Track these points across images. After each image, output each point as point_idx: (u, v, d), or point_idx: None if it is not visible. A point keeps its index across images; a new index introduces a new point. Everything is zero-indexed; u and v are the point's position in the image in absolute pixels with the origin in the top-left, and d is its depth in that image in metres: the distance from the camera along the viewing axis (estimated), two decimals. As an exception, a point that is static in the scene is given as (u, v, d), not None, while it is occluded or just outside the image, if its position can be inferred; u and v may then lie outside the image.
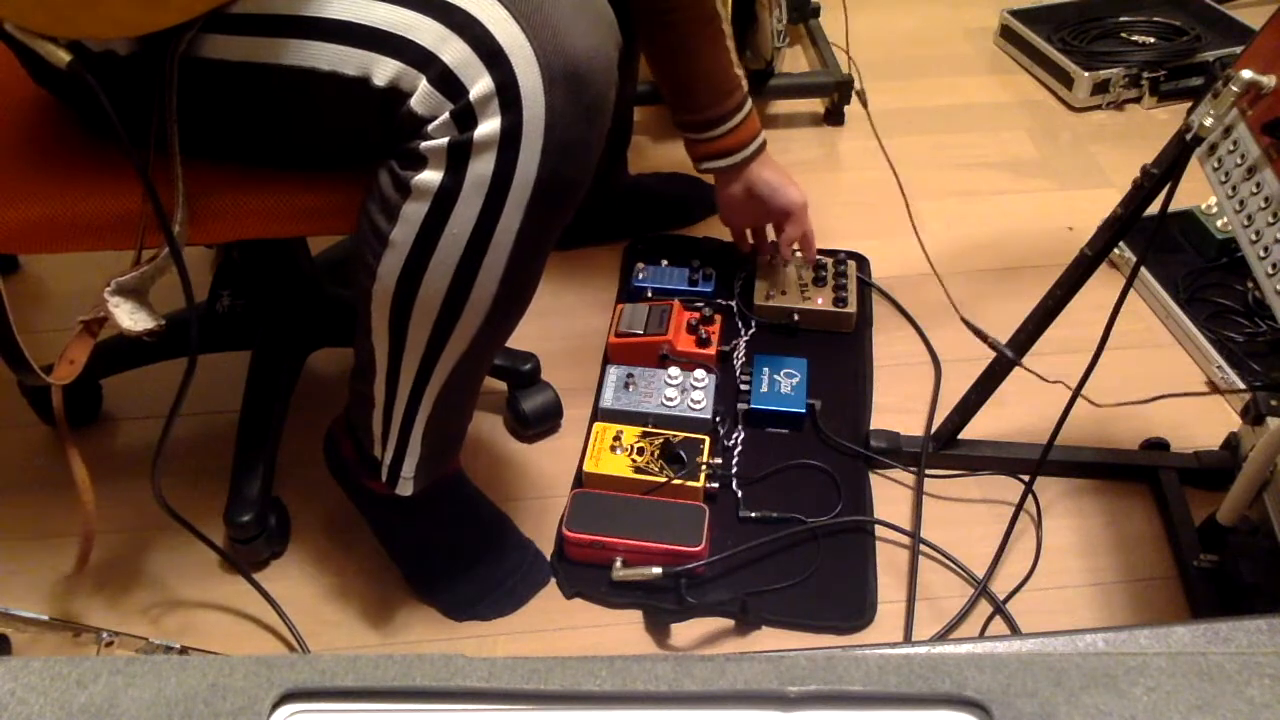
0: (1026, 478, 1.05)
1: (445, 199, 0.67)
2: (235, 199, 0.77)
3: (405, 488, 0.89)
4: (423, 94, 0.64)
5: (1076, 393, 0.87)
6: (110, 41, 0.69)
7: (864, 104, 1.67)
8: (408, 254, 0.70)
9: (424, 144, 0.65)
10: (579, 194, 0.71)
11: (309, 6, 0.66)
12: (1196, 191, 1.07)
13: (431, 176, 0.66)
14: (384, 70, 0.65)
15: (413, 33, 0.64)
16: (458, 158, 0.65)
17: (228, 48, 0.68)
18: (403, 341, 0.76)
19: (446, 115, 0.64)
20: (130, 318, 0.73)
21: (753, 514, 1.04)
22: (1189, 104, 0.97)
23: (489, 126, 0.64)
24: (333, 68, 0.66)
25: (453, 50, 0.63)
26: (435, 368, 0.78)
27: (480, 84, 0.63)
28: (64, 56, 0.65)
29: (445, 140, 0.65)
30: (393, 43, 0.64)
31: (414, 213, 0.68)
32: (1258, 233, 0.74)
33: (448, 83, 0.63)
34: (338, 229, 0.80)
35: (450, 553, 0.99)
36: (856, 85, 1.64)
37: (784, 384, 1.16)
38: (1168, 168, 0.83)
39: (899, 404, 1.19)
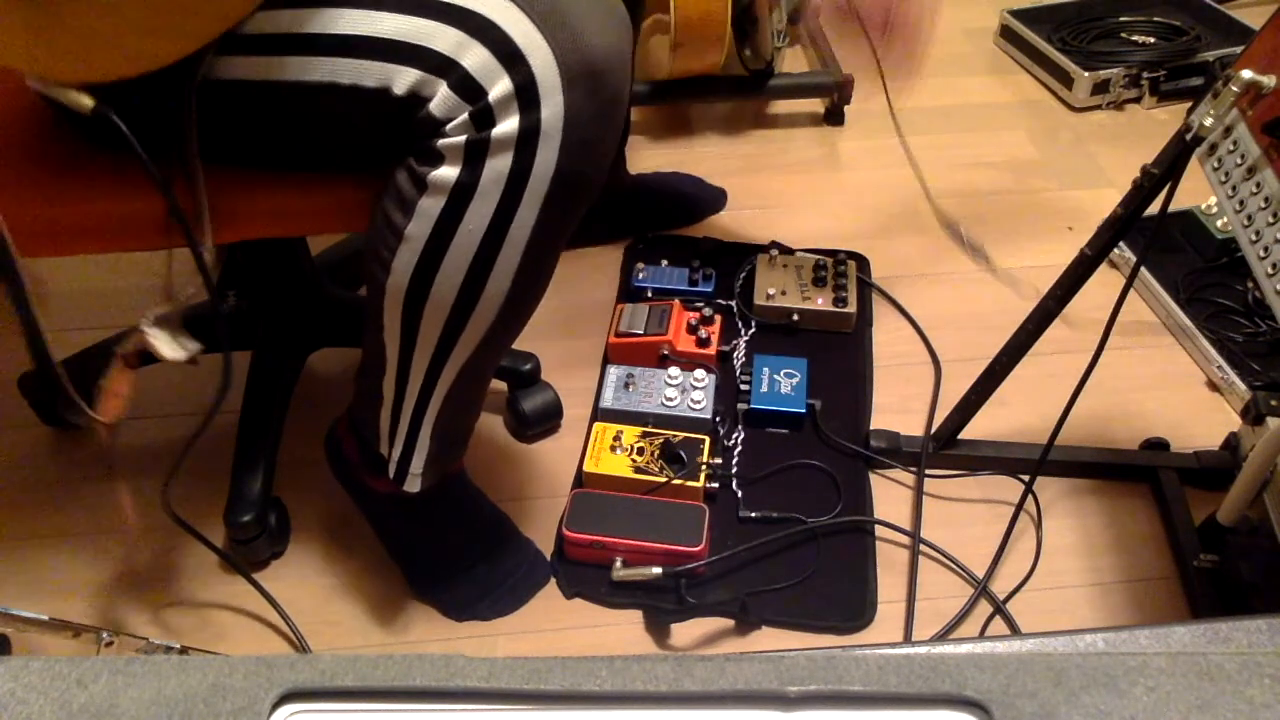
0: (1026, 478, 1.05)
1: (462, 194, 0.67)
2: (243, 199, 0.78)
3: (414, 484, 0.89)
4: (442, 98, 0.64)
5: (1077, 393, 0.87)
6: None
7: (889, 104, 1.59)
8: (423, 249, 0.70)
9: (441, 141, 0.66)
10: (595, 190, 0.71)
11: (324, 23, 0.66)
12: (1196, 191, 1.07)
13: (449, 172, 0.66)
14: (404, 80, 0.65)
15: (432, 41, 0.64)
16: (475, 154, 0.65)
17: (245, 68, 0.68)
18: (414, 337, 0.76)
19: (465, 116, 0.64)
20: (170, 347, 0.74)
21: (753, 514, 1.04)
22: (1189, 104, 0.97)
23: (508, 125, 0.64)
24: (353, 81, 0.66)
25: (473, 56, 0.63)
26: (446, 364, 0.78)
27: (500, 86, 0.63)
28: (87, 103, 0.65)
29: (463, 138, 0.65)
30: (412, 52, 0.64)
31: (430, 207, 0.68)
32: (1258, 233, 0.74)
33: (468, 87, 0.64)
34: (344, 228, 0.80)
35: (451, 552, 0.99)
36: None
37: (784, 384, 1.16)
38: (1168, 168, 0.83)
39: (899, 404, 1.19)
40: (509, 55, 0.63)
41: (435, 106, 0.65)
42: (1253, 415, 0.98)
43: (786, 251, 1.35)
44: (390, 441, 0.86)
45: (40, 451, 1.15)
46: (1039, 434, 1.01)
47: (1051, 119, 1.70)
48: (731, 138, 1.66)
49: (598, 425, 1.09)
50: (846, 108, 1.67)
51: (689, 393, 1.12)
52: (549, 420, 1.16)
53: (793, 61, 1.84)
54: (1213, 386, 1.20)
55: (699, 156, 1.61)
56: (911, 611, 0.98)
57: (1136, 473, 1.09)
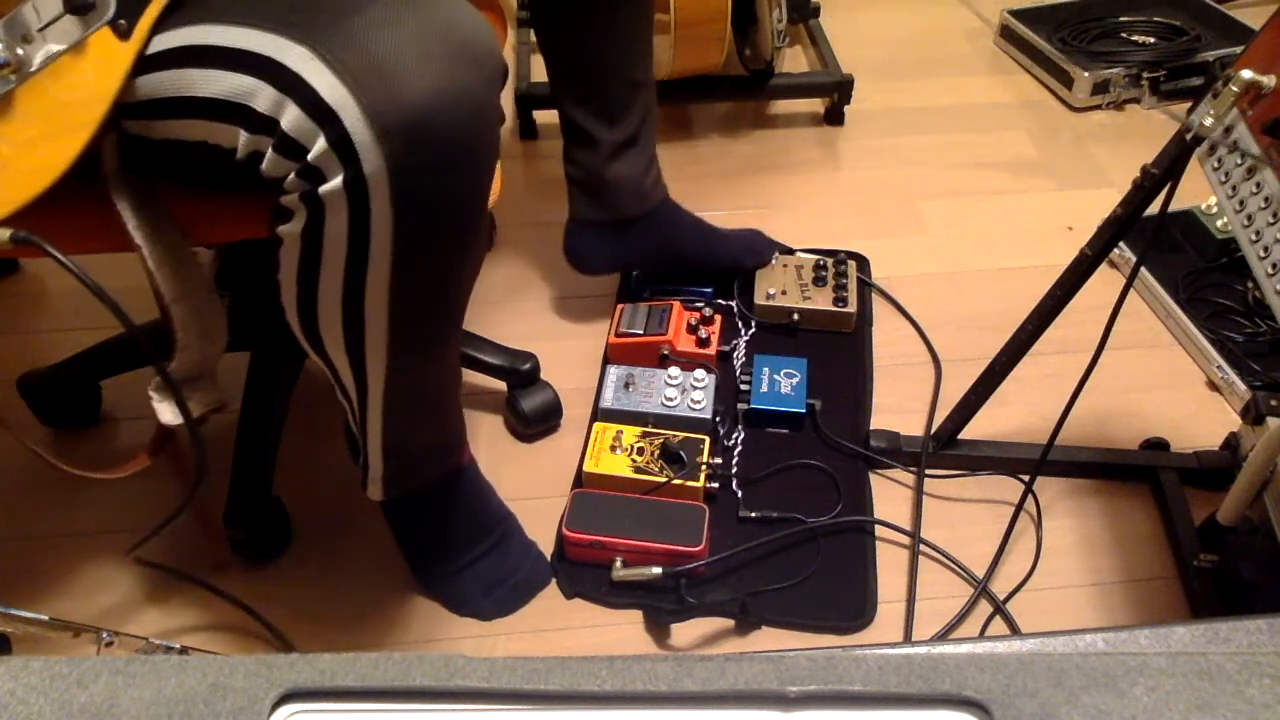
0: (1026, 478, 1.05)
1: (310, 247, 0.68)
2: (224, 203, 0.78)
3: (374, 492, 0.91)
4: (271, 159, 0.65)
5: (1077, 393, 0.87)
6: None
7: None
8: (295, 295, 0.73)
9: (283, 199, 0.67)
10: (462, 233, 0.71)
11: (183, 85, 0.66)
12: (1196, 191, 1.07)
13: (294, 228, 0.68)
14: (241, 140, 0.66)
15: (254, 99, 0.64)
16: (313, 209, 0.66)
17: (144, 129, 0.70)
18: (329, 360, 0.79)
19: (294, 174, 0.65)
20: (168, 412, 0.76)
21: (753, 514, 1.04)
22: (1189, 104, 0.97)
23: (334, 181, 0.64)
24: (216, 141, 0.67)
25: (289, 115, 0.63)
26: (367, 388, 0.80)
27: (318, 144, 0.63)
28: (3, 235, 0.63)
29: (298, 193, 0.66)
30: (241, 112, 0.65)
31: (288, 261, 0.71)
32: (1258, 233, 0.74)
33: (290, 146, 0.64)
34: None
35: (457, 547, 0.99)
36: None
37: (784, 384, 1.16)
38: (1168, 168, 0.83)
39: (899, 404, 1.19)
40: (321, 113, 0.62)
41: (266, 165, 0.65)
42: (1253, 415, 0.98)
43: (786, 251, 1.35)
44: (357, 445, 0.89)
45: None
46: (1039, 434, 1.01)
47: (1051, 119, 1.69)
48: (731, 138, 1.66)
49: (598, 425, 1.09)
50: (846, 108, 1.67)
51: (689, 393, 1.12)
52: (549, 420, 1.16)
53: (793, 61, 1.84)
54: (1213, 386, 1.20)
55: (699, 156, 1.61)
56: (911, 611, 0.98)
57: (1136, 473, 1.09)
